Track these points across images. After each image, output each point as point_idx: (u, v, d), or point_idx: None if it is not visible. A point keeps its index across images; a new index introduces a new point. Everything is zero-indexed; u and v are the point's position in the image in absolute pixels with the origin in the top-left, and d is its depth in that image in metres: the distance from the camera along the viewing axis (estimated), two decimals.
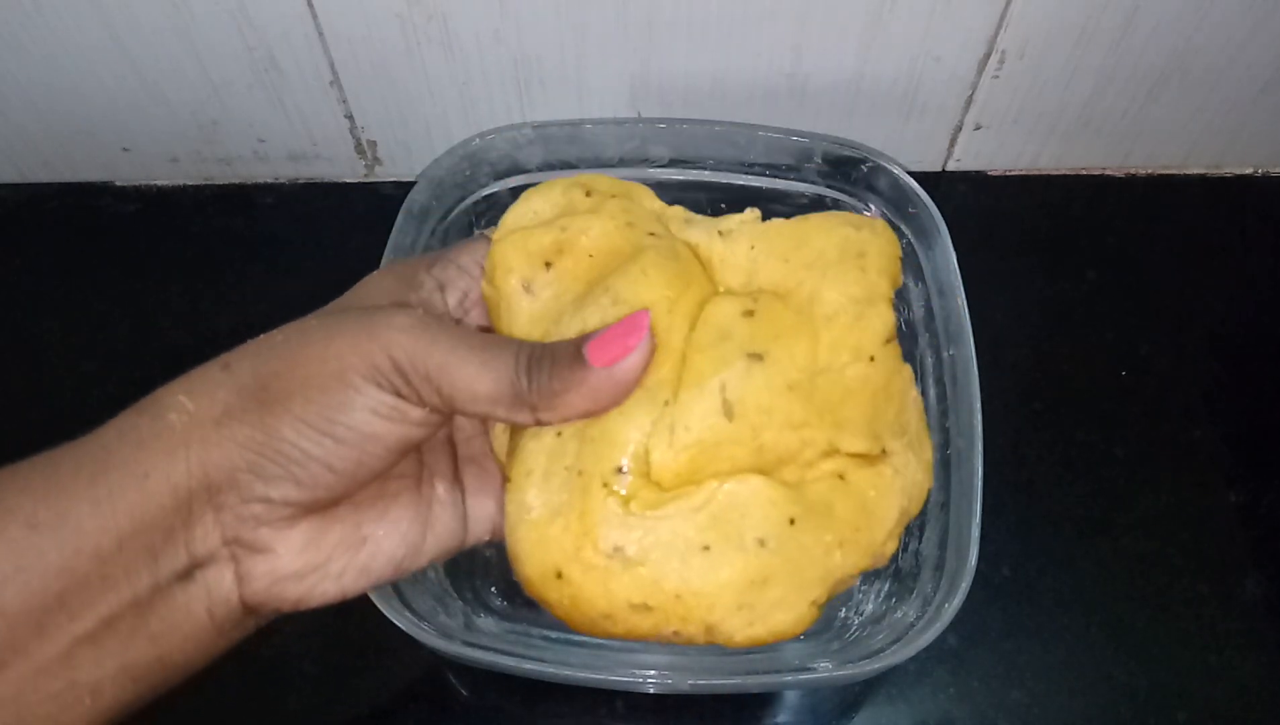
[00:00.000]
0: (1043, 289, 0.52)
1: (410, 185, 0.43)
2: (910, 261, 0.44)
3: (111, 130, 0.53)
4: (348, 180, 0.57)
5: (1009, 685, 0.41)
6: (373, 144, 0.54)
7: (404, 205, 0.43)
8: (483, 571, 0.44)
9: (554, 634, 0.42)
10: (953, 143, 0.54)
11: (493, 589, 0.44)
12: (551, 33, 0.47)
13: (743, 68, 0.48)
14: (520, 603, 0.43)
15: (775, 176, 0.46)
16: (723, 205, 0.47)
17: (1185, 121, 0.53)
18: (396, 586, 0.36)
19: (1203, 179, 0.57)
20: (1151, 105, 0.52)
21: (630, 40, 0.47)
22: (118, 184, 0.57)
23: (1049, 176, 0.57)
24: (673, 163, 0.46)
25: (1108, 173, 0.57)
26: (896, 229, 0.44)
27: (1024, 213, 0.55)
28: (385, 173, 0.56)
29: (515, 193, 0.47)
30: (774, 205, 0.47)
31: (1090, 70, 0.49)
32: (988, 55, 0.48)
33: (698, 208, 0.48)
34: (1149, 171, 0.57)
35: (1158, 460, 0.47)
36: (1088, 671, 0.42)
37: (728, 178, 0.46)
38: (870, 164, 0.44)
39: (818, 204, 0.46)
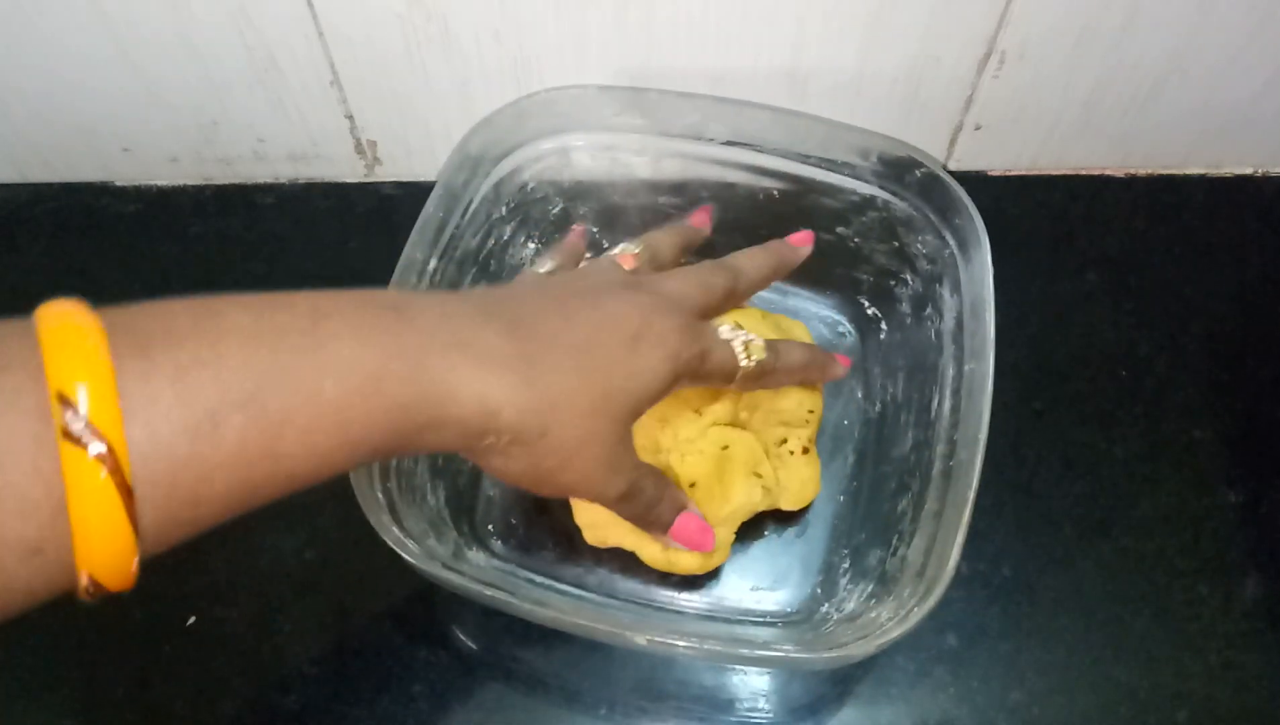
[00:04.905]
0: (1043, 289, 0.52)
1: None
2: (950, 272, 0.43)
3: (111, 130, 0.53)
4: (348, 180, 0.57)
5: (1009, 685, 0.41)
6: (373, 144, 0.54)
7: (458, 145, 0.43)
8: (484, 509, 0.44)
9: (539, 579, 0.42)
10: (953, 143, 0.54)
11: (490, 527, 0.43)
12: (551, 33, 0.47)
13: (743, 67, 0.48)
14: (514, 546, 0.43)
15: (829, 170, 0.45)
16: (775, 192, 0.47)
17: (1185, 121, 0.53)
18: (391, 505, 0.36)
19: (1203, 179, 0.57)
20: (1151, 105, 0.52)
21: (630, 40, 0.47)
22: (118, 184, 0.57)
23: (1049, 176, 0.57)
24: (729, 143, 0.46)
25: (1108, 173, 0.57)
26: (940, 237, 0.44)
27: (1024, 213, 0.55)
28: (385, 173, 0.56)
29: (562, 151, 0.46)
30: (824, 199, 0.46)
31: (1090, 70, 0.49)
32: (988, 55, 0.48)
33: (748, 189, 0.47)
34: (1149, 171, 0.57)
35: (1158, 460, 0.47)
36: (1088, 671, 0.42)
37: (782, 165, 0.46)
38: (924, 170, 0.43)
39: (868, 203, 0.46)
